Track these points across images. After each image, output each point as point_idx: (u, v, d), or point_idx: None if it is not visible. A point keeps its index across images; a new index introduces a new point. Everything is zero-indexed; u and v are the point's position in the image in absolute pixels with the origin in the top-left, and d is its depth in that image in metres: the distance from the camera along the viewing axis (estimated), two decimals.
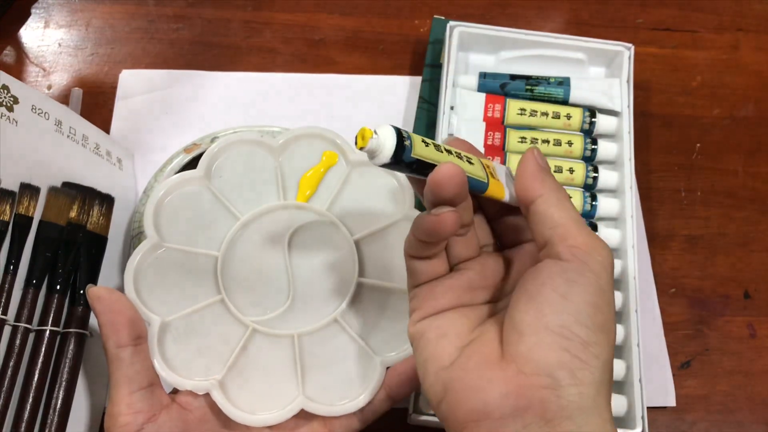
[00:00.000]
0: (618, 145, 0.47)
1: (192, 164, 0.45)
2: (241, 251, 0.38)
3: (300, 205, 0.38)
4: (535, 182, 0.28)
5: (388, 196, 0.39)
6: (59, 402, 0.38)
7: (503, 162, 0.46)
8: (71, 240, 0.41)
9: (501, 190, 0.29)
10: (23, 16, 0.56)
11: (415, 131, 0.49)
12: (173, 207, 0.37)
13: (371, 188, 0.39)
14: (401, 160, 0.25)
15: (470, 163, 0.28)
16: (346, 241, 0.38)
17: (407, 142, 0.25)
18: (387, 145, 0.25)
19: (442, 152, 0.27)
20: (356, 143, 0.25)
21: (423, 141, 0.26)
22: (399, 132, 0.25)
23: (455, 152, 0.27)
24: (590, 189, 0.47)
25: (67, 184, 0.42)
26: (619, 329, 0.42)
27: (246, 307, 0.37)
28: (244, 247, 0.38)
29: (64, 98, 0.52)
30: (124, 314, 0.34)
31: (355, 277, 0.38)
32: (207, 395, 0.35)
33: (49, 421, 0.38)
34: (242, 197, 0.38)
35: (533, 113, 0.48)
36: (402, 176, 0.39)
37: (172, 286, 0.37)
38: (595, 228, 0.44)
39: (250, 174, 0.39)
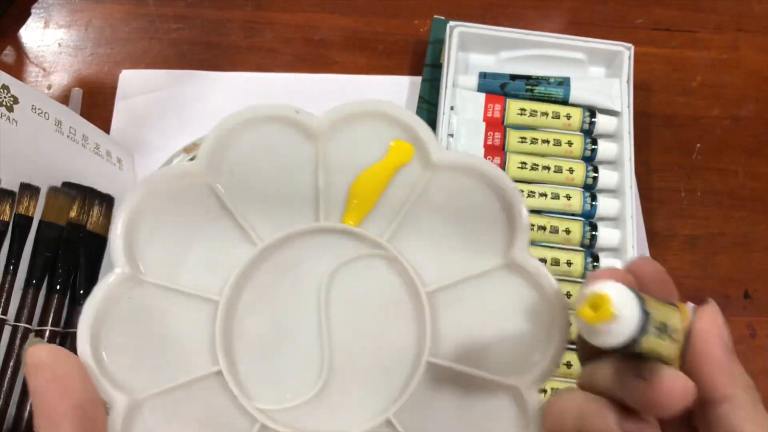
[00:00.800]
0: (618, 145, 0.47)
1: None
2: (253, 297, 0.26)
3: (348, 230, 0.26)
4: (722, 375, 0.20)
5: (486, 224, 0.26)
6: None
7: (503, 162, 0.46)
8: (71, 240, 0.41)
9: (677, 359, 0.20)
10: (23, 16, 0.56)
11: None
12: (156, 219, 0.25)
13: (461, 210, 0.26)
14: (631, 346, 0.18)
15: (671, 338, 0.19)
16: (415, 293, 0.25)
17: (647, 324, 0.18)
18: (628, 325, 0.18)
19: (664, 339, 0.19)
20: (580, 314, 0.18)
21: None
22: (642, 304, 0.18)
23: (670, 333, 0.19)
24: (590, 189, 0.47)
25: (67, 184, 0.42)
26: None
27: (255, 386, 0.25)
28: (260, 291, 0.26)
29: (64, 98, 0.52)
30: (71, 396, 0.21)
31: (425, 354, 0.25)
32: None
33: None
34: (262, 209, 0.26)
35: (533, 113, 0.48)
36: (513, 193, 0.25)
37: (148, 345, 0.24)
38: (595, 228, 0.44)
39: (276, 171, 0.26)
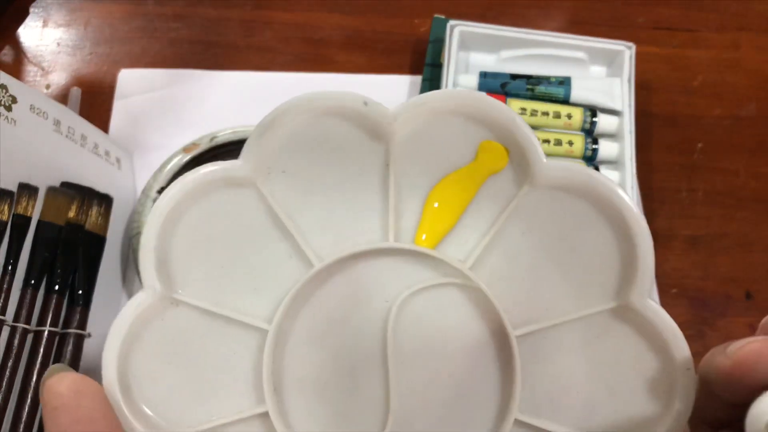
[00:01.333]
0: (619, 145, 0.47)
1: (191, 164, 0.45)
2: (307, 326, 0.22)
3: (421, 252, 0.21)
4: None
5: (599, 256, 0.21)
6: None
7: None
8: (70, 240, 0.41)
9: None
10: (22, 15, 0.56)
11: None
12: (193, 231, 0.21)
13: (565, 236, 0.21)
14: None
15: None
16: (502, 334, 0.21)
17: None
18: None
19: None
20: None
21: None
22: None
23: None
24: None
25: (65, 184, 0.42)
26: None
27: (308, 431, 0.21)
28: (315, 320, 0.22)
29: (62, 98, 0.52)
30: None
31: (513, 410, 0.20)
32: None
33: None
34: (320, 221, 0.22)
35: (534, 113, 0.48)
36: (637, 221, 0.20)
37: (183, 377, 0.21)
38: None
39: (337, 176, 0.22)
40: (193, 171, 0.21)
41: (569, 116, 0.48)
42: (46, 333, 0.38)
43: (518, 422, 0.20)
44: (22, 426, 0.36)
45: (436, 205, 0.21)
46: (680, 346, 0.21)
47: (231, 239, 0.21)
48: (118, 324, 0.20)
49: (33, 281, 0.39)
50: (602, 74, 0.51)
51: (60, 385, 0.19)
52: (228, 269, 0.21)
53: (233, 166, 0.21)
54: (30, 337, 0.38)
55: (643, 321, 0.21)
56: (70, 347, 0.39)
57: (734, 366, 0.18)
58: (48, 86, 0.53)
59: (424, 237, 0.21)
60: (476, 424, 0.21)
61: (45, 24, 0.56)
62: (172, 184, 0.21)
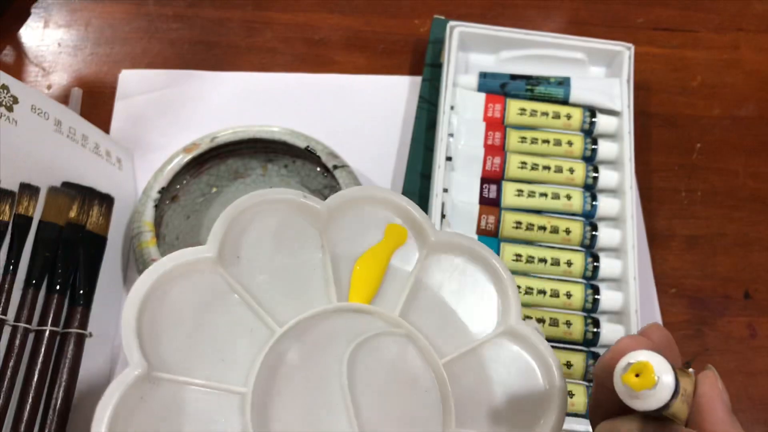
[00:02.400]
0: (618, 145, 0.47)
1: (191, 164, 0.45)
2: (277, 385, 0.25)
3: (359, 308, 0.27)
4: None
5: (484, 296, 0.28)
6: (59, 402, 0.38)
7: (503, 161, 0.46)
8: (71, 240, 0.41)
9: (684, 413, 0.22)
10: (23, 16, 0.56)
11: (415, 131, 0.49)
12: (168, 311, 0.25)
13: (458, 284, 0.28)
14: (662, 409, 0.20)
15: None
16: (432, 365, 0.26)
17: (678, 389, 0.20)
18: (666, 391, 0.20)
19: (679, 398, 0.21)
20: (626, 380, 0.20)
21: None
22: (674, 370, 0.21)
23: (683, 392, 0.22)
24: (590, 189, 0.47)
25: (66, 184, 0.42)
26: (619, 330, 0.42)
27: None
28: (283, 378, 0.25)
29: (63, 98, 0.52)
30: None
31: (452, 425, 0.25)
32: None
33: (48, 422, 0.37)
34: (275, 294, 0.26)
35: (533, 113, 0.48)
36: (501, 267, 0.28)
37: None
38: (595, 228, 0.44)
39: (285, 256, 0.27)
40: (165, 258, 0.25)
41: (568, 116, 0.48)
42: (47, 333, 0.38)
43: None
44: (23, 425, 0.37)
45: (361, 273, 0.27)
46: (551, 355, 0.27)
47: (202, 320, 0.25)
48: (105, 404, 0.23)
49: (34, 281, 0.39)
50: (601, 75, 0.52)
51: None
52: (199, 345, 0.25)
53: (200, 253, 0.25)
54: (31, 336, 0.38)
55: (523, 339, 0.27)
56: (71, 347, 0.39)
57: (611, 358, 0.22)
58: (49, 86, 0.53)
59: (356, 298, 0.27)
60: None
61: (46, 24, 0.56)
62: (146, 272, 0.24)
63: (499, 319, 0.28)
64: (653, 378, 0.20)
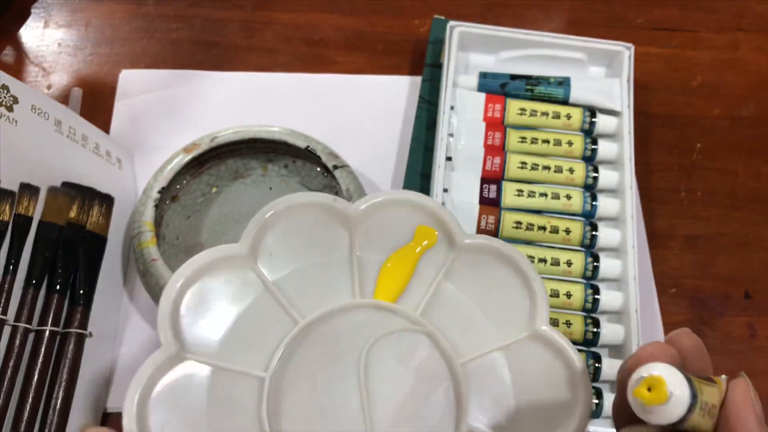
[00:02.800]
0: (618, 145, 0.47)
1: (192, 164, 0.45)
2: (297, 373, 0.27)
3: (382, 305, 0.28)
4: None
5: (510, 299, 0.29)
6: (59, 402, 0.38)
7: (503, 161, 0.46)
8: (71, 240, 0.41)
9: (707, 425, 0.22)
10: (23, 16, 0.56)
11: (415, 131, 0.49)
12: (201, 299, 0.27)
13: (485, 286, 0.29)
14: (678, 423, 0.20)
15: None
16: (449, 364, 0.27)
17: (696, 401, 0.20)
18: (680, 406, 0.20)
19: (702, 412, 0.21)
20: (637, 394, 0.20)
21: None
22: (691, 386, 0.20)
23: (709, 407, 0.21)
24: (590, 189, 0.47)
25: (66, 184, 0.42)
26: (619, 329, 0.42)
27: None
28: (302, 367, 0.27)
29: (63, 98, 0.52)
30: None
31: (466, 423, 0.26)
32: None
33: (48, 422, 0.38)
34: (302, 289, 0.28)
35: (533, 113, 0.48)
36: (530, 270, 0.29)
37: (193, 423, 0.25)
38: (595, 228, 0.44)
39: (313, 254, 0.29)
40: (203, 254, 0.27)
41: (568, 116, 0.48)
42: (47, 333, 0.39)
43: (471, 428, 0.26)
44: (23, 425, 0.37)
45: (387, 274, 0.28)
46: (578, 361, 0.27)
47: (231, 307, 0.27)
48: (137, 382, 0.25)
49: (34, 281, 0.39)
50: (601, 75, 0.52)
51: None
52: (229, 331, 0.27)
53: (234, 249, 0.28)
54: (31, 336, 0.38)
55: (549, 343, 0.28)
56: (71, 347, 0.39)
57: (632, 365, 0.22)
58: (49, 86, 0.53)
59: (382, 296, 0.28)
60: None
61: (46, 25, 0.56)
62: (186, 264, 0.27)
63: (527, 323, 0.28)
64: (665, 393, 0.19)
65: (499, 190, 0.45)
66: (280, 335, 0.27)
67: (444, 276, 0.29)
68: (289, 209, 0.29)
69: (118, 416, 0.41)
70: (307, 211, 0.29)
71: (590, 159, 0.47)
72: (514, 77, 0.49)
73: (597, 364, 0.40)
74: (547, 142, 0.47)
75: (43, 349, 0.38)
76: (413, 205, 0.29)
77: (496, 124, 0.48)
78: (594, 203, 0.45)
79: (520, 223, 0.44)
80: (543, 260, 0.43)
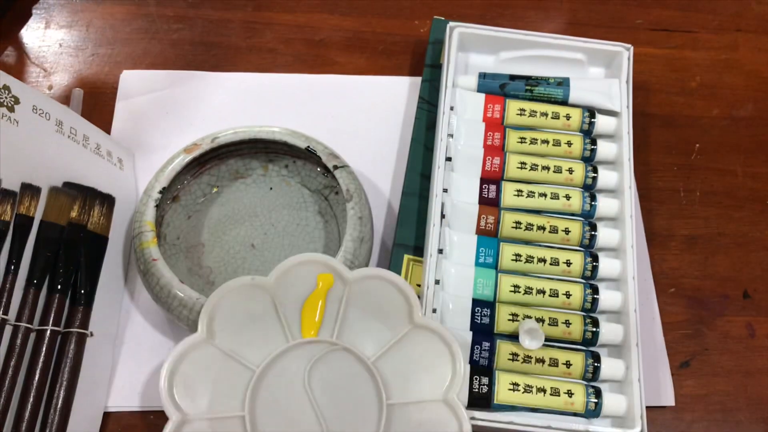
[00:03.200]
0: (617, 145, 0.47)
1: (192, 164, 0.45)
2: (265, 404, 0.37)
3: (309, 341, 0.38)
4: None
5: (393, 308, 0.39)
6: (60, 402, 0.38)
7: (502, 162, 0.46)
8: (72, 240, 0.41)
9: None
10: (24, 17, 0.56)
11: (415, 131, 0.49)
12: (184, 380, 0.37)
13: (373, 303, 0.39)
14: None
15: None
16: (365, 365, 0.38)
17: None
18: None
19: None
20: None
21: None
22: None
23: None
24: (589, 189, 0.47)
25: (67, 184, 0.42)
26: (619, 329, 0.42)
27: None
28: (267, 399, 0.37)
29: (64, 99, 0.52)
30: None
31: (384, 401, 0.37)
32: None
33: (50, 421, 0.38)
34: (250, 346, 0.37)
35: (533, 113, 0.48)
36: (399, 281, 0.39)
37: (205, 387, 0.36)
38: (594, 228, 0.44)
39: (251, 319, 0.38)
40: (177, 347, 0.37)
41: (568, 117, 0.48)
42: (48, 332, 0.39)
43: (391, 406, 0.37)
44: (24, 425, 0.37)
45: (306, 316, 0.39)
46: (449, 333, 0.38)
47: (208, 377, 0.37)
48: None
49: (35, 281, 0.39)
50: (601, 75, 0.52)
51: None
52: (212, 393, 0.37)
53: (196, 337, 0.38)
54: (32, 336, 0.39)
55: (427, 328, 0.38)
56: (72, 346, 0.39)
57: None
58: (50, 87, 0.53)
59: (307, 333, 0.38)
60: (374, 417, 0.37)
61: (47, 25, 0.56)
62: (166, 363, 0.36)
63: (408, 319, 0.38)
64: None
65: (498, 190, 0.45)
66: (246, 382, 0.37)
67: (345, 305, 0.38)
68: (223, 296, 0.38)
69: (118, 416, 0.41)
70: (237, 292, 0.38)
71: (589, 159, 0.48)
72: (513, 78, 0.49)
73: (596, 364, 0.40)
74: (547, 142, 0.47)
75: (44, 349, 0.38)
76: (311, 262, 0.39)
77: (495, 125, 0.48)
78: (593, 203, 0.45)
79: (519, 223, 0.44)
80: (542, 260, 0.43)
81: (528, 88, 0.49)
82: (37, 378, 0.38)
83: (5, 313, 0.37)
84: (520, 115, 0.48)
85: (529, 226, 0.44)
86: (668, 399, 0.44)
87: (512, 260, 0.43)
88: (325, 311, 0.38)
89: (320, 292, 0.39)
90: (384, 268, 0.46)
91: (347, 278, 0.39)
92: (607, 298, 0.42)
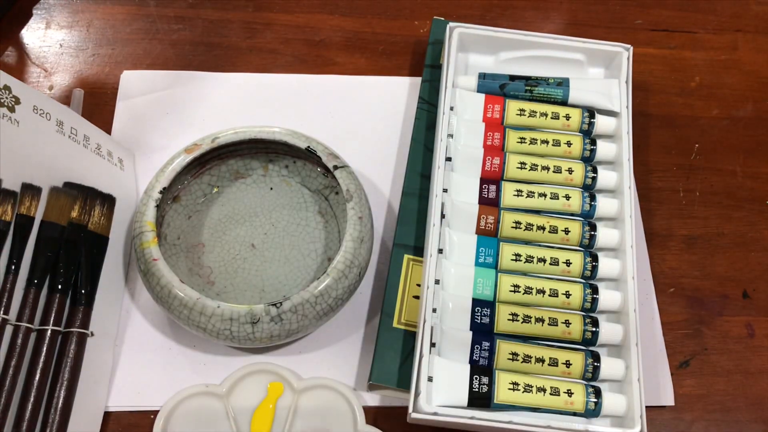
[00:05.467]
0: (617, 146, 0.47)
1: (193, 164, 0.45)
2: None
3: None
4: None
5: (338, 416, 0.41)
6: (60, 401, 0.38)
7: (502, 162, 0.46)
8: (72, 240, 0.41)
9: None
10: (25, 17, 0.56)
11: (415, 132, 0.49)
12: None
13: (320, 411, 0.41)
14: None
15: None
16: None
17: None
18: None
19: None
20: None
21: None
22: None
23: None
24: (589, 189, 0.47)
25: (68, 185, 0.42)
26: (619, 329, 0.42)
27: None
28: None
29: (65, 99, 0.52)
30: None
31: None
32: None
33: (50, 421, 0.38)
34: None
35: (532, 114, 0.48)
36: (348, 392, 0.41)
37: None
38: (594, 228, 0.45)
39: (205, 425, 0.40)
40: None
41: (567, 117, 0.48)
42: (48, 332, 0.39)
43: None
44: (25, 424, 0.37)
45: (256, 424, 0.41)
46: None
47: None
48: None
49: (36, 281, 0.39)
50: (600, 75, 0.52)
51: None
52: None
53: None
54: (33, 336, 0.39)
55: None
56: (72, 346, 0.39)
57: None
58: (51, 87, 0.53)
59: None
60: None
61: (48, 26, 0.56)
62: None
63: (353, 428, 0.41)
64: None
65: (498, 190, 0.45)
66: None
67: (293, 413, 0.41)
68: (178, 403, 0.41)
69: (118, 415, 0.41)
70: (191, 399, 0.41)
71: (589, 159, 0.48)
72: (513, 78, 0.49)
73: (596, 363, 0.40)
74: (546, 142, 0.47)
75: (44, 349, 0.38)
76: (262, 371, 0.42)
77: (495, 125, 0.48)
78: (593, 203, 0.45)
79: (519, 223, 0.44)
80: (542, 260, 0.43)
81: (528, 88, 0.49)
82: (37, 378, 0.38)
83: (6, 313, 0.37)
84: (520, 115, 0.48)
85: (528, 226, 0.44)
86: (668, 399, 0.44)
87: (512, 260, 0.43)
88: (273, 420, 0.41)
89: (269, 401, 0.41)
90: (384, 268, 0.46)
91: (296, 388, 0.41)
92: (607, 298, 0.42)
